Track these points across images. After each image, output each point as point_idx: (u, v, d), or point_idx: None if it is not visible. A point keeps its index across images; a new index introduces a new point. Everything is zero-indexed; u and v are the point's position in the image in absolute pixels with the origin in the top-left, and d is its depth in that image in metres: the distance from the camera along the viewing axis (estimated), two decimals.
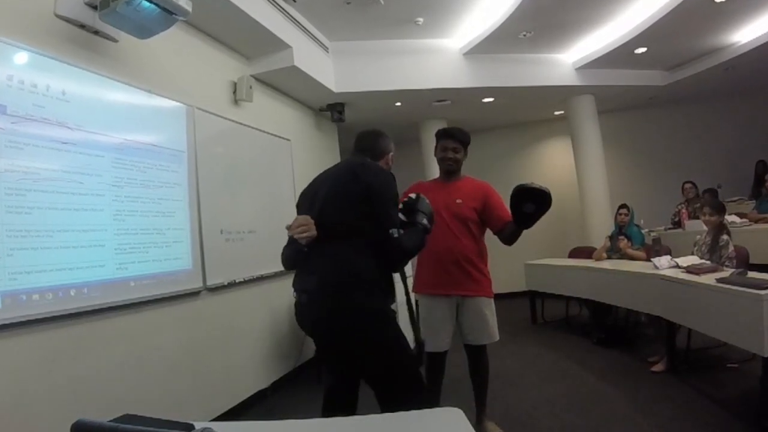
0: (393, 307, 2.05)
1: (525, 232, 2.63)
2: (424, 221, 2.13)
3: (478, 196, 2.81)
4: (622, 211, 5.18)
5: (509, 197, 2.49)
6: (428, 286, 2.91)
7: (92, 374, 2.62)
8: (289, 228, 1.98)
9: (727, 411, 3.01)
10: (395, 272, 2.07)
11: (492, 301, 2.93)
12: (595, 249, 5.40)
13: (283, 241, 2.13)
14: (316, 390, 4.26)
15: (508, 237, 2.70)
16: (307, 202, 2.15)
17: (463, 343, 2.95)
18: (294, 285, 2.07)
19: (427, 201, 2.21)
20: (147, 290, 3.02)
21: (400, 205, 2.15)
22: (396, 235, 1.94)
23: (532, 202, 2.41)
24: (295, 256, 2.05)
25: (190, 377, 3.34)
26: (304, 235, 1.91)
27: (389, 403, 1.86)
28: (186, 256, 3.42)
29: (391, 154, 2.31)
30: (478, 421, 2.96)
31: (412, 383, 1.97)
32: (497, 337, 2.91)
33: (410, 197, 2.20)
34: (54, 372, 2.42)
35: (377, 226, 1.94)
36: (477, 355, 2.94)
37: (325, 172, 2.21)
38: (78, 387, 2.53)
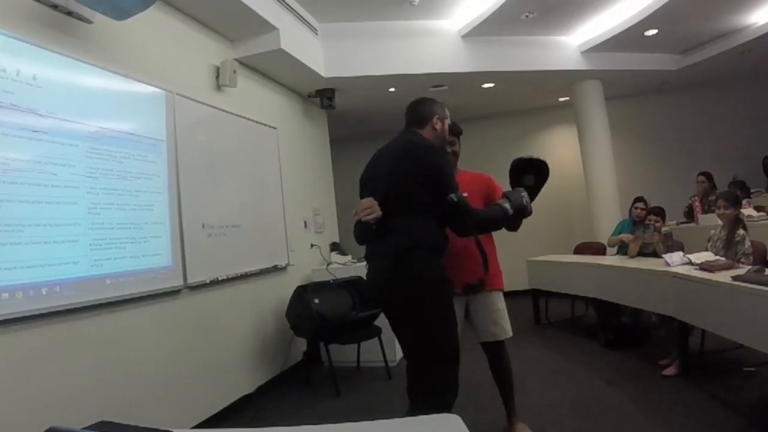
0: None
1: (527, 227, 2.75)
2: (506, 205, 2.44)
3: (482, 187, 2.90)
4: (638, 205, 5.02)
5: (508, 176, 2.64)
6: None
7: (66, 378, 2.61)
8: (355, 213, 2.28)
9: (743, 417, 3.03)
10: (465, 236, 2.38)
11: (501, 293, 2.99)
12: (602, 244, 5.32)
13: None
14: (304, 395, 4.31)
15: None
16: (370, 184, 2.45)
17: (480, 342, 2.99)
18: (365, 257, 2.47)
19: (522, 195, 2.49)
20: (124, 288, 3.02)
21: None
22: (455, 199, 2.24)
23: (531, 174, 2.58)
24: (365, 234, 2.35)
25: (170, 381, 3.34)
26: (370, 217, 2.21)
27: (418, 387, 2.26)
28: (165, 253, 3.42)
29: (436, 116, 2.49)
30: (508, 424, 3.04)
31: (444, 372, 2.23)
32: (510, 333, 2.96)
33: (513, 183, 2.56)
34: (25, 376, 2.41)
35: (440, 197, 2.24)
36: (493, 353, 2.98)
37: (380, 151, 2.51)
38: (51, 392, 2.52)
